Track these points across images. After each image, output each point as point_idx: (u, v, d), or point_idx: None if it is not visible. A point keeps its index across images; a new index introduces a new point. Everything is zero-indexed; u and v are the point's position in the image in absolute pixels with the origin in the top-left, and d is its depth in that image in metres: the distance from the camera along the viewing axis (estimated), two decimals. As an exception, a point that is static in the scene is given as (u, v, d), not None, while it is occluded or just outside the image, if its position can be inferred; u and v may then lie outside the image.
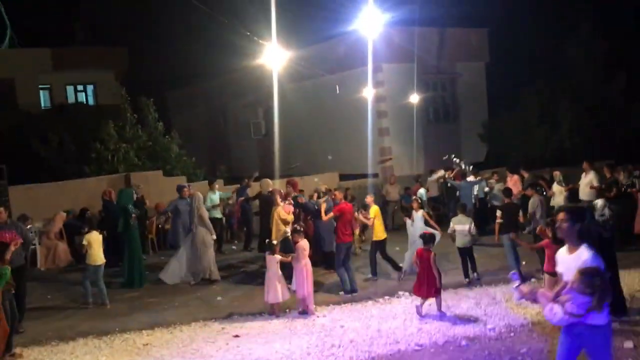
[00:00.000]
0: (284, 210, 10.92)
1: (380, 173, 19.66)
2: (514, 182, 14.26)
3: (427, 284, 8.47)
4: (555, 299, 4.51)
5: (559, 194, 12.99)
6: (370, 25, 14.12)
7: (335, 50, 20.80)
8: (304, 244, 9.08)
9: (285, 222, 10.72)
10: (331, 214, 10.39)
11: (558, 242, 7.76)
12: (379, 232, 10.79)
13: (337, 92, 20.30)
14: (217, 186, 14.54)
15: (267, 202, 11.97)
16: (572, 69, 22.31)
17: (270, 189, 12.23)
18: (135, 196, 12.41)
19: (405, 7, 18.05)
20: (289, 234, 10.39)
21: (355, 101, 19.53)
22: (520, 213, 10.83)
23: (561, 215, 4.75)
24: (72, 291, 10.60)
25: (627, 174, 13.59)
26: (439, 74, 21.77)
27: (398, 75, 20.05)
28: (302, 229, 9.55)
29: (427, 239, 8.83)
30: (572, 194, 12.85)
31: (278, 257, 8.99)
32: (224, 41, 18.39)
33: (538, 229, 9.50)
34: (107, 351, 7.67)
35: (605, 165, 13.50)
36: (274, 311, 8.87)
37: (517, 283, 4.93)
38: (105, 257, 13.29)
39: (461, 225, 10.42)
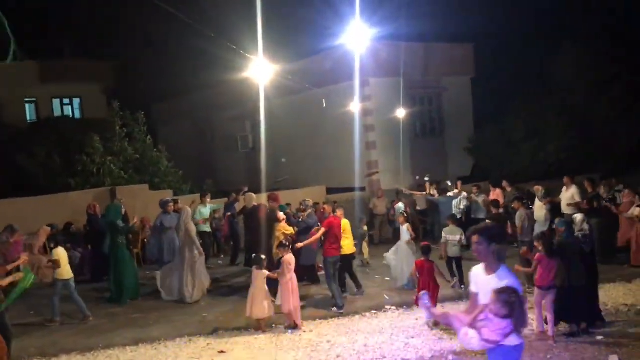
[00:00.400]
0: (285, 224, 10.98)
1: (367, 187, 19.69)
2: (496, 195, 14.31)
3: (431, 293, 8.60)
4: (472, 323, 4.31)
5: (539, 209, 13.15)
6: (357, 40, 14.24)
7: (322, 64, 20.89)
8: (289, 258, 9.04)
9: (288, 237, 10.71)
10: (322, 230, 10.32)
11: (551, 256, 7.91)
12: (347, 247, 10.65)
13: (324, 106, 20.34)
14: (208, 200, 14.45)
15: (252, 217, 11.95)
16: (559, 84, 22.58)
17: (255, 204, 12.18)
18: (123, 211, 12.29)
19: (392, 23, 18.22)
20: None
21: (342, 115, 19.60)
22: (508, 224, 10.91)
23: (475, 238, 4.45)
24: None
25: (608, 188, 13.70)
26: (425, 89, 21.91)
27: (385, 90, 20.14)
28: (288, 244, 9.52)
29: (426, 250, 9.15)
30: (554, 207, 13.05)
31: (266, 272, 8.94)
32: (211, 55, 18.42)
33: (522, 250, 9.60)
34: (90, 368, 7.58)
35: (587, 180, 13.65)
36: (261, 326, 8.81)
37: (428, 304, 4.72)
38: (90, 271, 13.31)
39: (453, 235, 10.78)
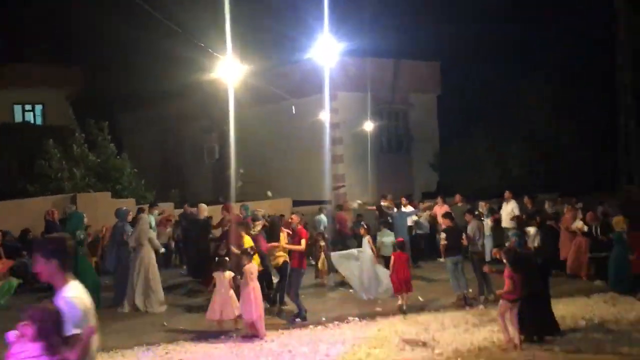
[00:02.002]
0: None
1: (332, 200, 19.71)
2: (443, 210, 14.51)
3: (405, 281, 10.19)
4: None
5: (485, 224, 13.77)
6: (326, 53, 14.36)
7: (291, 76, 20.98)
8: (251, 267, 8.95)
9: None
10: (304, 241, 10.12)
11: (517, 271, 8.03)
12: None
13: (294, 112, 20.32)
14: (156, 211, 14.16)
15: (204, 227, 11.83)
16: (521, 107, 23.10)
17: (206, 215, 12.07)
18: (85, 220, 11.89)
19: (360, 37, 18.41)
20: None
21: (310, 128, 19.66)
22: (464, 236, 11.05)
23: (33, 259, 3.81)
24: (3, 314, 10.03)
25: (551, 204, 14.23)
26: (392, 104, 22.19)
27: (352, 104, 20.34)
28: (253, 252, 9.41)
29: (401, 245, 10.88)
30: (497, 222, 13.56)
31: (231, 273, 8.88)
32: (178, 61, 18.30)
33: (493, 252, 9.77)
34: (42, 376, 7.28)
35: (527, 196, 14.45)
36: (223, 326, 8.70)
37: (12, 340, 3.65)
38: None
39: (387, 237, 11.79)
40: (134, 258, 10.73)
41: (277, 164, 21.91)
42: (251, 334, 8.71)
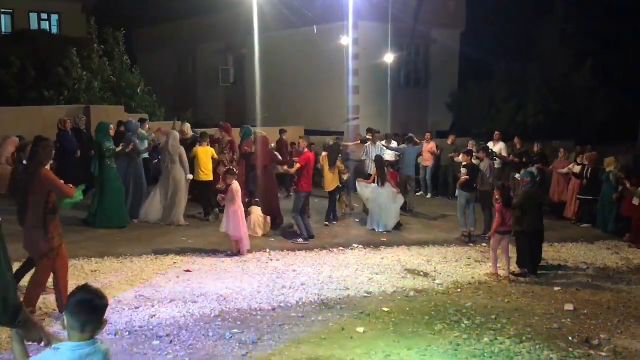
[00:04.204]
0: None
1: (345, 132, 19.59)
2: (430, 147, 15.24)
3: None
4: None
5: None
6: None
7: (313, 1, 20.37)
8: (236, 186, 9.04)
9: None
10: (298, 165, 10.25)
11: (508, 206, 8.41)
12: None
13: (315, 31, 19.73)
14: (147, 127, 13.80)
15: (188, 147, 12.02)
16: (544, 49, 22.44)
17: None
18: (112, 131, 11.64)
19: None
20: None
21: (328, 57, 19.28)
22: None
23: None
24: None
25: (540, 146, 14.47)
26: (413, 38, 21.63)
27: (372, 35, 19.78)
28: (236, 172, 9.54)
29: (392, 164, 12.74)
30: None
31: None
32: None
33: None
34: (53, 274, 7.52)
35: (517, 137, 14.99)
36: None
37: None
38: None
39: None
40: (164, 174, 10.86)
41: (292, 92, 21.66)
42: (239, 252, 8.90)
